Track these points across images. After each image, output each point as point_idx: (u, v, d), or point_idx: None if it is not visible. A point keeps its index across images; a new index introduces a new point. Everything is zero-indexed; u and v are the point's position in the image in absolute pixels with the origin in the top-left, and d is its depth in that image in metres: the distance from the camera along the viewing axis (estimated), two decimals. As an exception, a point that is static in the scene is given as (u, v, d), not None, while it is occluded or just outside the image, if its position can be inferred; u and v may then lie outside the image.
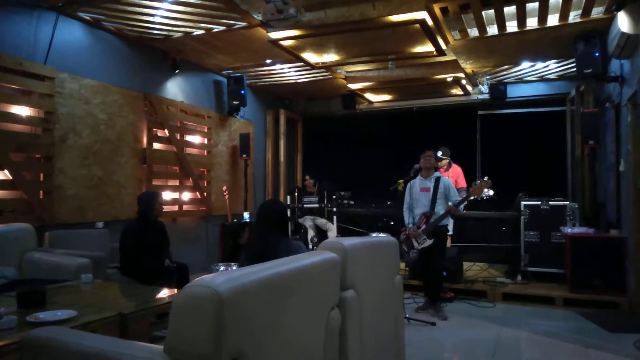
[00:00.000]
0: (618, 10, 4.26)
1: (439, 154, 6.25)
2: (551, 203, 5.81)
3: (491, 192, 4.89)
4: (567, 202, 5.80)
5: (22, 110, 4.30)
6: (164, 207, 4.60)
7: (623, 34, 4.27)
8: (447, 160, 6.28)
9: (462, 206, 4.70)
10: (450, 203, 4.69)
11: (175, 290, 3.18)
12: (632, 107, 4.49)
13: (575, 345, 3.80)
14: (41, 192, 4.42)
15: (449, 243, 6.16)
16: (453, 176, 6.27)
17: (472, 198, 4.96)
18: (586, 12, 4.59)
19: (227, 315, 1.26)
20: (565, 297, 5.05)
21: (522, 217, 5.88)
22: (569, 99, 6.78)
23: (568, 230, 5.36)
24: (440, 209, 4.70)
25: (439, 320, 4.51)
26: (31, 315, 2.28)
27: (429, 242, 4.70)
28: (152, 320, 2.62)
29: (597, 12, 4.66)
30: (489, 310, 4.97)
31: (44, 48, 4.45)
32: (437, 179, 4.80)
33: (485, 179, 4.73)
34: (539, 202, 5.86)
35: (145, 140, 5.59)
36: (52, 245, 4.24)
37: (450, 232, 6.21)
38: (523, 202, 5.93)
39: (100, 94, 5.01)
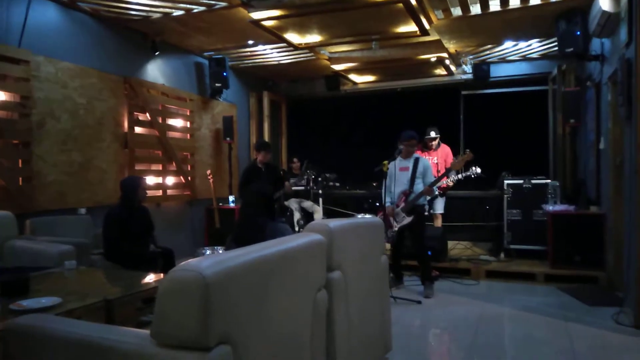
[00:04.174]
0: (599, -12, 4.27)
1: (432, 134, 6.30)
2: (533, 181, 5.90)
3: (479, 170, 4.96)
4: (549, 181, 5.90)
5: (-3, 95, 4.18)
6: (147, 191, 4.55)
7: (604, 12, 4.29)
8: (437, 140, 6.33)
9: (435, 188, 4.76)
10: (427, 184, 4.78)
11: (161, 275, 3.17)
12: (612, 86, 4.54)
13: (555, 320, 3.90)
14: (20, 178, 4.33)
15: (439, 223, 6.24)
16: (442, 156, 6.34)
17: (457, 176, 5.05)
18: (568, -10, 4.60)
19: (213, 299, 1.26)
20: (546, 273, 5.17)
21: (505, 195, 5.97)
22: (550, 78, 6.83)
23: (549, 208, 5.46)
24: (419, 188, 4.77)
25: (424, 298, 4.58)
26: (14, 303, 2.25)
27: (407, 219, 4.76)
28: (138, 306, 2.61)
29: (578, -10, 4.68)
30: (473, 288, 5.07)
31: (18, 30, 4.30)
32: (417, 160, 4.88)
33: (467, 151, 4.80)
34: (521, 181, 5.95)
35: (126, 124, 5.49)
36: (34, 233, 4.17)
37: (442, 211, 6.30)
38: (506, 181, 6.01)
39: (78, 78, 4.88)
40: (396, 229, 4.84)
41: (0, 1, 4.19)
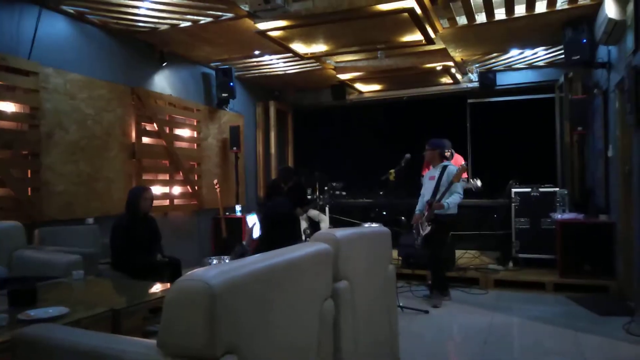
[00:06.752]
0: (605, -4, 4.27)
1: None
2: (541, 190, 5.86)
3: (479, 183, 4.94)
4: (557, 189, 5.86)
5: (7, 107, 4.23)
6: (154, 201, 4.56)
7: (610, 20, 4.29)
8: (449, 153, 6.26)
9: (451, 202, 4.66)
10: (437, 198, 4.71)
11: (168, 284, 3.17)
12: (620, 93, 4.52)
13: (565, 330, 3.85)
14: (29, 189, 4.37)
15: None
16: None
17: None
18: (573, -2, 4.60)
19: (219, 309, 1.26)
20: (555, 282, 5.11)
21: (513, 204, 5.93)
22: (557, 85, 6.81)
23: (558, 216, 5.41)
24: (444, 197, 4.71)
25: (430, 307, 4.55)
26: (22, 313, 2.26)
27: (428, 229, 4.77)
28: (145, 315, 2.61)
29: (584, -2, 4.68)
30: (482, 297, 5.02)
31: (27, 43, 4.37)
32: (443, 168, 4.84)
33: (463, 163, 4.76)
34: (529, 189, 5.91)
35: (133, 134, 5.53)
36: (42, 243, 4.19)
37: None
38: (513, 189, 5.97)
39: (86, 89, 4.94)
40: (419, 237, 4.87)
41: (11, 14, 4.26)
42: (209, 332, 1.25)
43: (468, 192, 5.76)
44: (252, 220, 4.80)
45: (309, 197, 6.65)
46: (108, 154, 5.19)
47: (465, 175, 5.95)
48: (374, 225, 5.31)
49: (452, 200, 4.66)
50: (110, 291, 3.28)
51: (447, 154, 6.08)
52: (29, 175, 4.39)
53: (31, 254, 3.79)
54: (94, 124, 5.02)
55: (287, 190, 5.17)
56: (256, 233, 4.62)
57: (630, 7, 3.89)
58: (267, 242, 2.88)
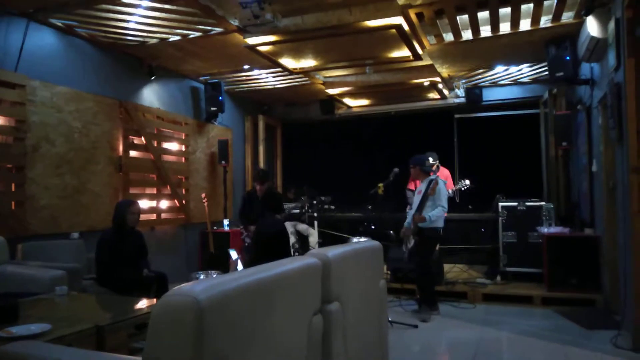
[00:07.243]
0: (587, 15, 4.38)
1: (430, 159, 6.28)
2: (527, 204, 5.92)
3: (467, 182, 5.05)
4: (543, 203, 5.93)
5: (-8, 119, 4.18)
6: (141, 215, 4.51)
7: (592, 38, 4.39)
8: (435, 165, 6.33)
9: (433, 214, 4.72)
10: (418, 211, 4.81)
11: (154, 300, 3.12)
12: (603, 109, 4.61)
13: (553, 343, 3.86)
14: (13, 202, 4.29)
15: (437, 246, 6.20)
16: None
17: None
18: (556, 17, 4.71)
19: (207, 324, 1.24)
20: (543, 296, 5.14)
21: (500, 218, 5.98)
22: (542, 101, 6.94)
23: (544, 230, 5.46)
24: (428, 211, 4.77)
25: (419, 322, 4.54)
26: (4, 330, 2.21)
27: (412, 242, 4.83)
28: (130, 332, 2.56)
29: (567, 17, 4.79)
30: (470, 311, 5.02)
31: (14, 55, 4.34)
32: (430, 182, 4.90)
33: (437, 177, 4.96)
34: (515, 203, 5.97)
35: (121, 148, 5.49)
36: (25, 257, 4.11)
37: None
38: (500, 204, 6.03)
39: (74, 102, 4.90)
40: (407, 251, 4.93)
41: (-2, 27, 4.24)
42: (197, 348, 1.23)
43: (457, 206, 5.81)
44: (234, 255, 4.80)
45: (296, 211, 6.66)
46: (94, 168, 5.13)
47: (450, 187, 6.00)
48: (363, 239, 5.31)
49: (435, 213, 4.72)
50: (94, 307, 3.22)
51: (434, 166, 6.15)
52: (13, 189, 4.32)
53: (14, 269, 3.71)
54: (81, 137, 4.97)
55: (261, 198, 5.23)
56: (240, 267, 4.63)
57: (611, 25, 3.99)
58: (258, 263, 2.87)
